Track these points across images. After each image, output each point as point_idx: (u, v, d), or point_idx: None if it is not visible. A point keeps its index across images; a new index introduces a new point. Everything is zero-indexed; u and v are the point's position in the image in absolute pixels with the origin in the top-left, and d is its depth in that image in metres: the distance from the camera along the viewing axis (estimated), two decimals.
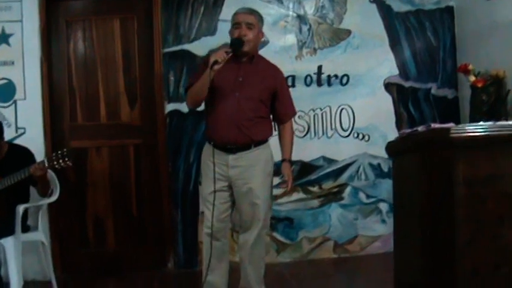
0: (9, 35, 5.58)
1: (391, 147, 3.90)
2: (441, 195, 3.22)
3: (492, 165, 3.16)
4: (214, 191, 4.27)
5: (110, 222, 5.84)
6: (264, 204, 4.32)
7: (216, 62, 4.01)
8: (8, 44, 5.58)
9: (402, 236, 3.70)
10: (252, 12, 4.36)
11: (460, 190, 3.11)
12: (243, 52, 4.25)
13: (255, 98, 4.28)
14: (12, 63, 5.59)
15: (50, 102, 5.65)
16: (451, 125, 3.35)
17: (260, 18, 4.38)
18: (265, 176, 4.37)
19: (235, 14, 4.36)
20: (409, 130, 3.68)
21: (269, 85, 4.36)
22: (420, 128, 3.48)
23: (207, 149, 4.41)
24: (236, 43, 4.19)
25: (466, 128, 3.22)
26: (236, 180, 4.31)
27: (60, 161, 4.62)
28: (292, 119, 4.63)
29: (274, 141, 4.49)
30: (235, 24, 4.29)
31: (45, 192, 5.02)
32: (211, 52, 5.43)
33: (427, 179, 3.36)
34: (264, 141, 4.37)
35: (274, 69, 4.49)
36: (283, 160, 4.47)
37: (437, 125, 3.42)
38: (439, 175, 3.25)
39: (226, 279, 4.46)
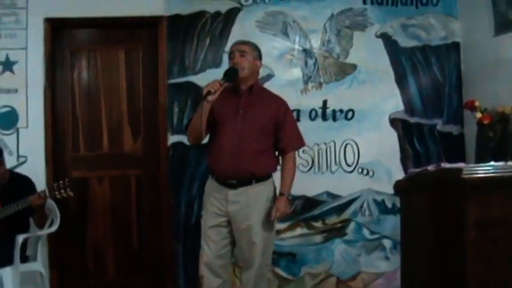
0: (14, 63, 5.54)
1: (399, 186, 3.85)
2: (451, 236, 3.18)
3: (503, 207, 3.12)
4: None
5: (110, 254, 5.78)
6: (262, 243, 4.23)
7: (209, 93, 3.98)
8: (12, 71, 5.55)
9: (409, 276, 3.65)
10: (245, 42, 4.41)
11: (470, 231, 3.07)
12: (239, 80, 4.23)
13: (257, 130, 4.22)
14: (16, 91, 5.55)
15: (52, 131, 5.62)
16: (461, 165, 3.32)
17: (254, 47, 4.39)
18: (266, 214, 4.25)
19: (230, 47, 4.42)
20: (418, 169, 3.64)
21: (271, 116, 4.30)
22: (430, 167, 3.44)
23: (210, 182, 4.37)
24: (229, 72, 4.19)
25: (478, 168, 3.18)
26: (235, 216, 4.22)
27: (62, 190, 4.63)
28: (295, 153, 4.54)
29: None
30: (230, 55, 4.34)
31: (41, 223, 4.97)
32: None
33: (437, 219, 3.32)
34: (267, 176, 4.29)
35: (277, 100, 4.44)
36: (280, 193, 4.31)
37: (447, 165, 3.38)
38: (450, 216, 3.21)
39: None
